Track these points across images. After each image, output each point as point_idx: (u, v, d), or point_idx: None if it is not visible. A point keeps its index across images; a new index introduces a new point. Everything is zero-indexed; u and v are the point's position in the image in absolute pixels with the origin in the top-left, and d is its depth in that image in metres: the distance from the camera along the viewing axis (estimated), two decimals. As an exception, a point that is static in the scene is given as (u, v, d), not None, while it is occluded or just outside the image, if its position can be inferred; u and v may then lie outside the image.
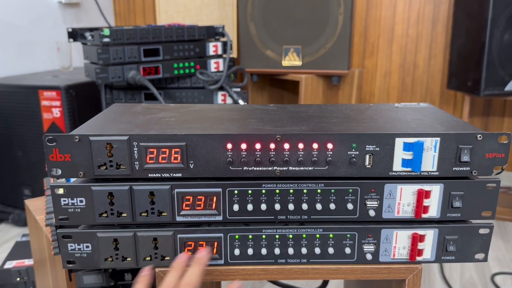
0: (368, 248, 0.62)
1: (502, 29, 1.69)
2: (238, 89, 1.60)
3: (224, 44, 1.64)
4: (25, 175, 1.86)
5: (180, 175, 0.59)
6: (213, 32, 1.63)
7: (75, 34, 1.53)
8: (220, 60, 1.64)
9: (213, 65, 1.63)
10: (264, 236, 0.61)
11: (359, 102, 2.12)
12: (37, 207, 0.96)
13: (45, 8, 2.11)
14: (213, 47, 1.63)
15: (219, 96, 1.59)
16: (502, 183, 2.07)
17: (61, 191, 0.58)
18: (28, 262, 1.34)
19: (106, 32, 1.38)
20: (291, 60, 1.79)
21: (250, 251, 0.62)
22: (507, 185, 2.06)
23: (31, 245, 1.08)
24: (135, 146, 0.57)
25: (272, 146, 0.58)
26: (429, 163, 0.58)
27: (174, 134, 0.57)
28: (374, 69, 2.24)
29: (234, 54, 2.02)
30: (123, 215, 0.59)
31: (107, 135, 0.57)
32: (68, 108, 1.72)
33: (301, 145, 0.58)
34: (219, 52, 1.65)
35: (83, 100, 1.75)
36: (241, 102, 1.54)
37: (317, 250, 0.62)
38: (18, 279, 1.31)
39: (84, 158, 0.57)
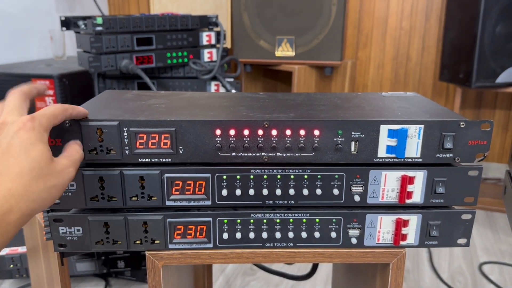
0: (353, 232, 0.63)
1: (494, 21, 1.71)
2: (231, 79, 1.61)
3: (218, 34, 1.64)
4: (18, 164, 1.86)
5: (169, 160, 0.60)
6: (207, 22, 1.63)
7: (68, 23, 1.53)
8: (214, 50, 1.64)
9: (206, 55, 1.63)
10: (252, 221, 0.63)
11: (352, 94, 2.13)
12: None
13: (38, -4, 2.10)
14: (206, 37, 1.63)
15: (212, 86, 1.60)
16: (492, 175, 2.10)
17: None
18: (21, 249, 1.35)
19: (99, 20, 1.38)
20: (284, 51, 1.80)
21: (238, 235, 0.63)
22: (497, 177, 2.08)
23: (24, 232, 1.09)
24: (125, 131, 0.58)
25: (260, 132, 0.59)
26: (413, 149, 0.59)
27: (164, 119, 0.58)
28: (367, 60, 2.25)
29: (228, 44, 2.02)
30: (113, 199, 0.60)
31: (97, 120, 0.57)
32: (61, 97, 1.71)
33: (288, 132, 0.59)
34: (213, 42, 1.65)
35: (76, 89, 1.75)
36: (234, 92, 1.54)
37: (304, 234, 0.63)
38: (11, 266, 1.32)
39: (75, 142, 0.58)
